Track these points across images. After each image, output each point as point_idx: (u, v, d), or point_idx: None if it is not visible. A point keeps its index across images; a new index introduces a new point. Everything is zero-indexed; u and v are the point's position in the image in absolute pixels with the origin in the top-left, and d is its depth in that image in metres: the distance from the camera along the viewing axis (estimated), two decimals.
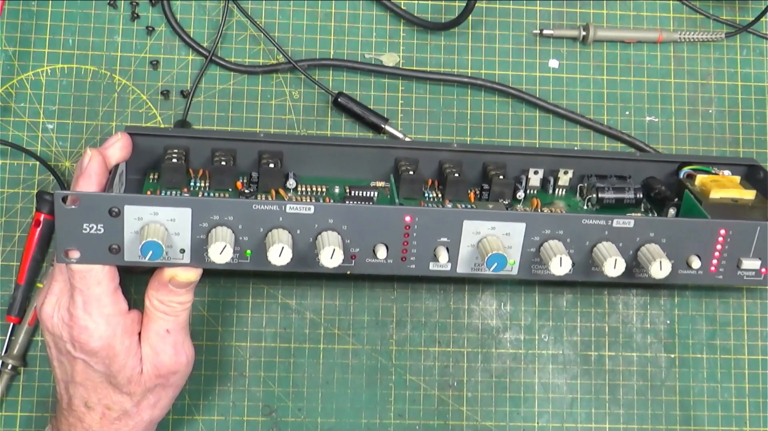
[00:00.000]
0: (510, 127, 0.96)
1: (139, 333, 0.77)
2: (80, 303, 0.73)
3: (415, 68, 0.96)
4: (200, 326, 0.90)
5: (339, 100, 0.93)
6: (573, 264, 0.77)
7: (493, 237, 0.76)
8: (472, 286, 0.94)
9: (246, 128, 0.93)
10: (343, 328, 0.92)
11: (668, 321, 0.95)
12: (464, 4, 0.91)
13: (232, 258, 0.75)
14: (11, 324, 0.88)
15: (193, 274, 0.76)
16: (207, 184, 0.83)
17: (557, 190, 0.89)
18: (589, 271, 0.80)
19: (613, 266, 0.76)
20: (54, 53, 0.92)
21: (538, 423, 0.93)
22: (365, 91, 0.95)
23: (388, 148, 0.87)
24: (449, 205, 0.85)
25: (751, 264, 0.82)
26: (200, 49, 0.94)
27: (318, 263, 0.74)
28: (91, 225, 0.71)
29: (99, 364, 0.75)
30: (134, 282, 0.87)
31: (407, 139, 0.93)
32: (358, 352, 0.92)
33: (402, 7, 0.96)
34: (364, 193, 0.84)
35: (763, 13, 0.97)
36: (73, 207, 0.70)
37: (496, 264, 0.75)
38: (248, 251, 0.75)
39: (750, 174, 0.90)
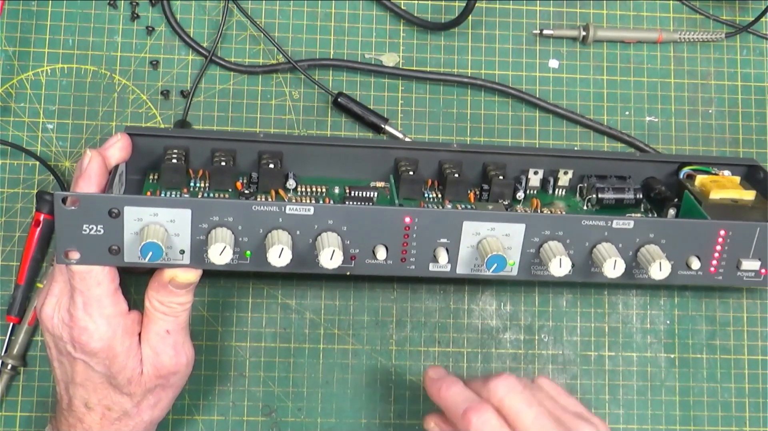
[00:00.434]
0: (510, 127, 0.96)
1: (139, 334, 0.77)
2: (80, 304, 0.73)
3: (415, 68, 0.96)
4: (200, 326, 0.90)
5: (339, 100, 0.93)
6: (573, 265, 0.77)
7: (492, 238, 0.77)
8: (472, 286, 0.94)
9: (246, 128, 0.93)
10: (343, 328, 0.92)
11: (668, 321, 0.95)
12: (464, 4, 0.91)
13: (232, 260, 0.75)
14: (11, 324, 0.88)
15: (193, 275, 0.76)
16: (207, 185, 0.83)
17: (557, 190, 0.89)
18: (588, 272, 0.80)
19: (613, 267, 0.76)
20: (54, 53, 0.92)
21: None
22: (365, 91, 0.95)
23: (388, 148, 0.87)
24: (449, 206, 0.85)
25: (750, 264, 0.82)
26: (200, 49, 0.94)
27: (318, 264, 0.74)
28: (90, 226, 0.71)
29: (99, 365, 0.75)
30: (134, 282, 0.87)
31: (407, 139, 0.93)
32: (358, 352, 0.92)
33: (402, 7, 0.96)
34: (364, 193, 0.84)
35: (763, 13, 0.97)
36: (72, 208, 0.70)
37: (495, 265, 0.75)
38: (248, 252, 0.75)
39: (750, 174, 0.90)
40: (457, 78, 0.96)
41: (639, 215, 0.88)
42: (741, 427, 0.94)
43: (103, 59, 0.93)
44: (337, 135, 0.94)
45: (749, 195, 0.86)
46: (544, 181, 0.88)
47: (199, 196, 0.82)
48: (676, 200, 0.87)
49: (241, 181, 0.84)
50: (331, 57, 0.95)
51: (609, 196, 0.87)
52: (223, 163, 0.83)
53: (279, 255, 0.72)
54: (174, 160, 0.81)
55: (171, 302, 0.76)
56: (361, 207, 0.78)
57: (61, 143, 0.91)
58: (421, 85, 0.96)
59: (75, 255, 0.72)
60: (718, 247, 0.81)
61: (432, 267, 0.78)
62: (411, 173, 0.84)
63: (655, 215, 0.88)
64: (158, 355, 0.77)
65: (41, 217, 0.88)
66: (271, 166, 0.83)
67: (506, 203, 0.86)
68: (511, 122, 0.96)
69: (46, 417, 0.88)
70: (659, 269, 0.77)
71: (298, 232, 0.74)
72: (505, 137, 0.96)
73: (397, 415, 0.91)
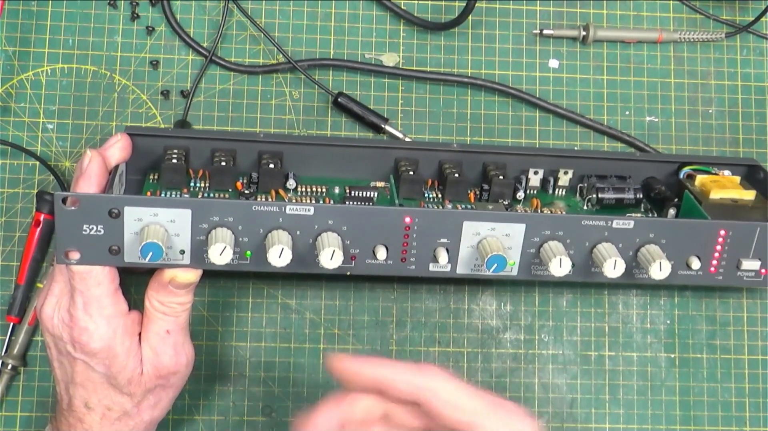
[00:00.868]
0: (510, 127, 0.96)
1: (139, 334, 0.77)
2: (80, 304, 0.73)
3: (415, 68, 0.96)
4: (200, 326, 0.90)
5: (339, 100, 0.93)
6: (573, 265, 0.77)
7: (492, 238, 0.77)
8: (472, 286, 0.93)
9: (246, 128, 0.93)
10: (343, 328, 0.92)
11: (668, 321, 0.95)
12: (464, 4, 0.91)
13: (232, 260, 0.75)
14: (11, 324, 0.88)
15: (193, 275, 0.76)
16: (207, 185, 0.84)
17: (557, 190, 0.89)
18: (588, 272, 0.80)
19: (613, 267, 0.76)
20: (54, 53, 0.92)
21: (538, 422, 0.92)
22: (365, 91, 0.95)
23: (388, 148, 0.87)
24: (449, 206, 0.85)
25: (750, 264, 0.82)
26: (200, 49, 0.93)
27: (318, 264, 0.74)
28: (91, 227, 0.71)
29: (99, 365, 0.75)
30: (134, 282, 0.87)
31: (407, 139, 0.93)
32: (358, 352, 0.92)
33: (402, 7, 0.96)
34: (364, 193, 0.84)
35: (763, 13, 0.97)
36: (73, 208, 0.70)
37: (495, 265, 0.75)
38: (248, 252, 0.75)
39: (750, 174, 0.90)
40: (457, 78, 0.96)
41: (639, 215, 0.88)
42: (741, 427, 0.94)
43: (103, 59, 0.93)
44: (337, 135, 0.94)
45: (749, 195, 0.86)
46: (544, 181, 0.88)
47: (199, 196, 0.82)
48: (676, 200, 0.87)
49: (241, 181, 0.84)
50: (331, 57, 0.95)
51: (609, 195, 0.87)
52: (223, 163, 0.83)
53: (279, 255, 0.72)
54: (174, 160, 0.81)
55: (171, 302, 0.76)
56: (361, 207, 0.78)
57: (61, 143, 0.91)
58: (421, 85, 0.96)
59: (75, 256, 0.72)
60: (718, 247, 0.81)
61: (432, 267, 0.78)
62: (411, 173, 0.84)
63: (655, 215, 0.88)
64: (158, 355, 0.77)
65: (41, 217, 0.88)
66: (271, 166, 0.83)
67: (506, 203, 0.86)
68: (511, 122, 0.96)
69: (46, 417, 0.88)
70: (659, 269, 0.77)
71: (298, 232, 0.74)
72: (505, 137, 0.96)
73: None
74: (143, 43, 0.94)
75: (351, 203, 0.83)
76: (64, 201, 0.70)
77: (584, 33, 0.97)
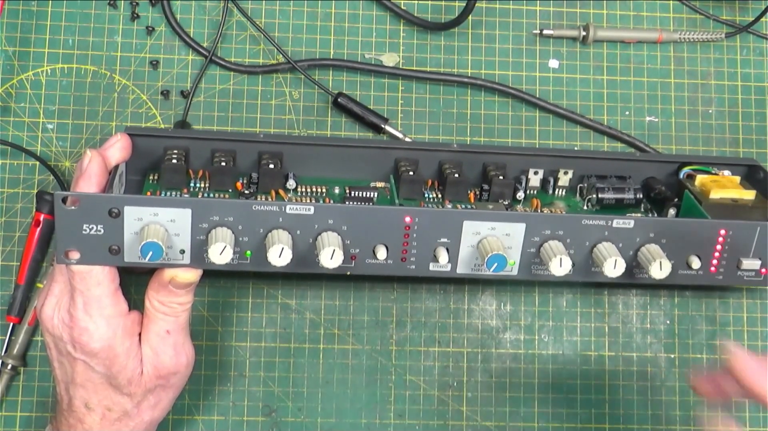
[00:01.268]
0: (510, 127, 0.96)
1: (140, 335, 0.77)
2: (80, 304, 0.73)
3: (415, 68, 0.96)
4: (200, 326, 0.90)
5: (339, 100, 0.93)
6: (573, 265, 0.77)
7: (493, 238, 0.77)
8: (472, 286, 0.94)
9: (246, 128, 0.93)
10: (343, 328, 0.92)
11: (668, 321, 0.95)
12: (464, 4, 0.91)
13: (232, 259, 0.75)
14: (11, 324, 0.88)
15: (193, 275, 0.76)
16: (207, 185, 0.84)
17: (557, 190, 0.89)
18: (589, 272, 0.80)
19: (613, 266, 0.76)
20: (54, 53, 0.92)
21: (538, 423, 0.93)
22: (365, 91, 0.95)
23: (388, 148, 0.87)
24: (449, 206, 0.85)
25: (751, 264, 0.82)
26: (200, 49, 0.93)
27: (318, 264, 0.74)
28: (91, 226, 0.71)
29: (99, 365, 0.75)
30: (134, 282, 0.87)
31: (407, 139, 0.93)
32: (358, 352, 0.92)
33: (402, 7, 0.96)
34: (364, 193, 0.84)
35: (763, 13, 0.97)
36: (73, 208, 0.70)
37: (496, 264, 0.75)
38: (248, 252, 0.75)
39: (750, 174, 0.90)
40: (457, 78, 0.96)
41: (639, 215, 0.88)
42: (741, 427, 0.94)
43: (103, 59, 0.93)
44: (337, 135, 0.94)
45: (749, 195, 0.86)
46: (544, 181, 0.88)
47: (199, 197, 0.82)
48: (676, 200, 0.87)
49: (241, 181, 0.84)
50: (331, 57, 0.95)
51: (609, 195, 0.87)
52: (223, 164, 0.83)
53: (279, 255, 0.72)
54: (174, 161, 0.81)
55: (171, 302, 0.76)
56: (361, 207, 0.78)
57: (61, 143, 0.91)
58: (421, 85, 0.96)
59: (75, 255, 0.72)
60: (719, 247, 0.81)
61: (432, 267, 0.78)
62: (411, 173, 0.84)
63: (656, 215, 0.88)
64: (158, 355, 0.77)
65: (41, 217, 0.88)
66: (271, 166, 0.83)
67: (506, 203, 0.86)
68: (511, 122, 0.96)
69: (46, 417, 0.88)
70: (659, 269, 0.77)
71: (298, 232, 0.74)
72: (505, 137, 0.96)
73: (397, 415, 0.91)
74: (143, 43, 0.94)
75: (351, 203, 0.83)
76: (64, 201, 0.70)
77: (584, 33, 0.97)
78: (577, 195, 0.89)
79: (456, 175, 0.85)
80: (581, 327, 0.94)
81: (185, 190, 0.82)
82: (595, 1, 0.99)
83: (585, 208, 0.88)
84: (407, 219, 0.75)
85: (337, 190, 0.86)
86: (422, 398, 0.92)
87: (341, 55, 0.96)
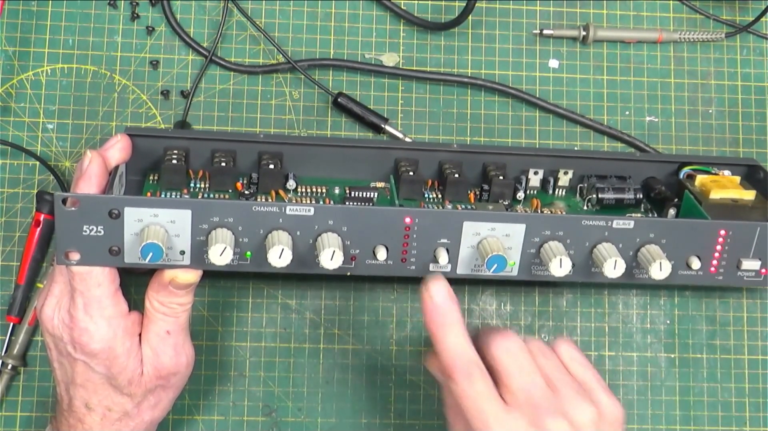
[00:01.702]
0: (510, 127, 0.96)
1: (140, 335, 0.77)
2: (81, 305, 0.73)
3: (415, 68, 0.96)
4: (200, 326, 0.90)
5: (339, 100, 0.93)
6: (573, 265, 0.77)
7: (493, 239, 0.76)
8: (472, 286, 0.94)
9: (246, 128, 0.93)
10: (343, 328, 0.92)
11: (668, 321, 0.95)
12: (464, 4, 0.91)
13: (232, 260, 0.75)
14: (11, 324, 0.88)
15: (193, 276, 0.76)
16: (207, 185, 0.84)
17: (557, 190, 0.89)
18: (589, 272, 0.80)
19: (613, 267, 0.76)
20: (54, 53, 0.92)
21: None
22: (365, 91, 0.95)
23: (388, 148, 0.87)
24: (449, 206, 0.85)
25: (751, 264, 0.82)
26: (200, 49, 0.93)
27: (318, 264, 0.74)
28: (91, 227, 0.71)
29: (99, 366, 0.75)
30: (134, 283, 0.87)
31: (407, 139, 0.93)
32: (358, 352, 0.92)
33: (402, 7, 0.96)
34: (364, 193, 0.84)
35: (763, 13, 0.97)
36: (73, 209, 0.70)
37: (496, 265, 0.75)
38: (248, 253, 0.75)
39: (750, 174, 0.90)
40: (457, 78, 0.96)
41: (639, 215, 0.88)
42: (741, 427, 0.94)
43: (103, 59, 0.93)
44: (337, 135, 0.94)
45: (749, 195, 0.86)
46: (544, 181, 0.88)
47: (199, 197, 0.82)
48: (676, 200, 0.87)
49: (241, 181, 0.84)
50: (331, 57, 0.95)
51: (609, 196, 0.87)
52: (223, 164, 0.83)
53: (279, 255, 0.72)
54: (174, 161, 0.81)
55: (171, 303, 0.76)
56: (361, 207, 0.78)
57: (61, 143, 0.91)
58: (421, 85, 0.96)
59: (75, 256, 0.72)
60: (719, 247, 0.81)
61: (432, 267, 0.78)
62: (411, 173, 0.84)
63: (656, 215, 0.88)
64: (158, 356, 0.77)
65: (41, 217, 0.88)
66: (271, 166, 0.83)
67: (506, 203, 0.86)
68: (511, 122, 0.96)
69: (46, 417, 0.88)
70: (659, 269, 0.77)
71: (298, 233, 0.74)
72: (505, 137, 0.96)
73: (397, 415, 0.91)
74: (143, 43, 0.94)
75: (351, 203, 0.83)
76: (64, 202, 0.70)
77: (584, 33, 0.97)
78: (577, 195, 0.89)
79: (456, 175, 0.85)
80: (581, 327, 0.94)
81: (185, 191, 0.82)
82: (595, 1, 0.99)
83: (585, 208, 0.88)
84: (407, 219, 0.75)
85: (337, 191, 0.86)
86: (422, 398, 0.92)
87: (341, 55, 0.96)
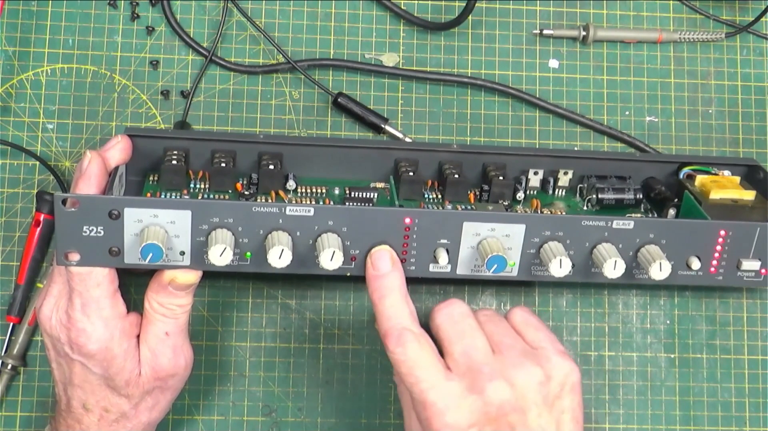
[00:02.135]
0: (510, 127, 0.96)
1: (138, 336, 0.77)
2: (78, 305, 0.73)
3: (415, 68, 0.96)
4: (200, 326, 0.90)
5: (339, 100, 0.93)
6: (573, 266, 0.77)
7: (493, 239, 0.76)
8: (471, 286, 0.94)
9: (246, 128, 0.93)
10: (343, 328, 0.92)
11: (668, 321, 0.95)
12: (464, 4, 0.91)
13: (232, 261, 0.75)
14: (11, 324, 0.88)
15: (193, 276, 0.76)
16: (207, 186, 0.84)
17: (557, 190, 0.89)
18: (589, 273, 0.80)
19: (613, 267, 0.76)
20: (54, 53, 0.92)
21: None
22: (365, 91, 0.95)
23: (388, 149, 0.87)
24: (449, 206, 0.85)
25: (751, 265, 0.82)
26: (200, 49, 0.93)
27: (318, 265, 0.74)
28: (91, 228, 0.71)
29: (97, 367, 0.75)
30: (134, 283, 0.87)
31: (407, 139, 0.93)
32: (358, 352, 0.92)
33: (402, 7, 0.96)
34: (364, 194, 0.84)
35: (763, 13, 0.97)
36: (72, 209, 0.70)
37: (496, 265, 0.75)
38: (248, 253, 0.74)
39: (750, 174, 0.90)
40: (457, 78, 0.96)
41: (639, 215, 0.88)
42: (741, 427, 0.94)
43: (103, 59, 0.93)
44: (337, 135, 0.94)
45: (749, 195, 0.86)
46: (544, 182, 0.88)
47: (199, 198, 0.82)
48: (676, 200, 0.87)
49: (241, 182, 0.84)
50: (331, 57, 0.95)
51: (609, 196, 0.87)
52: (223, 165, 0.83)
53: (279, 256, 0.72)
54: (174, 162, 0.81)
55: (171, 304, 0.76)
56: (361, 208, 0.78)
57: (61, 143, 0.91)
58: (421, 85, 0.96)
59: (75, 257, 0.72)
60: (719, 247, 0.81)
61: (432, 267, 0.78)
62: (411, 174, 0.84)
63: (655, 215, 0.88)
64: (157, 357, 0.77)
65: (41, 217, 0.88)
66: (271, 167, 0.83)
67: (506, 204, 0.86)
68: (511, 122, 0.96)
69: (46, 417, 0.88)
70: (659, 269, 0.77)
71: (298, 233, 0.74)
72: (505, 137, 0.96)
73: (397, 415, 0.91)
74: (143, 43, 0.94)
75: (351, 204, 0.83)
76: (64, 202, 0.70)
77: (584, 33, 0.97)
78: (577, 195, 0.89)
79: (456, 176, 0.85)
80: (581, 327, 0.94)
81: (185, 191, 0.82)
82: (595, 1, 0.99)
83: (585, 208, 0.88)
84: (407, 220, 0.75)
85: (337, 191, 0.86)
86: None
87: (341, 55, 0.96)
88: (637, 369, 0.94)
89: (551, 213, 0.86)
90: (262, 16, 0.95)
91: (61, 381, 0.78)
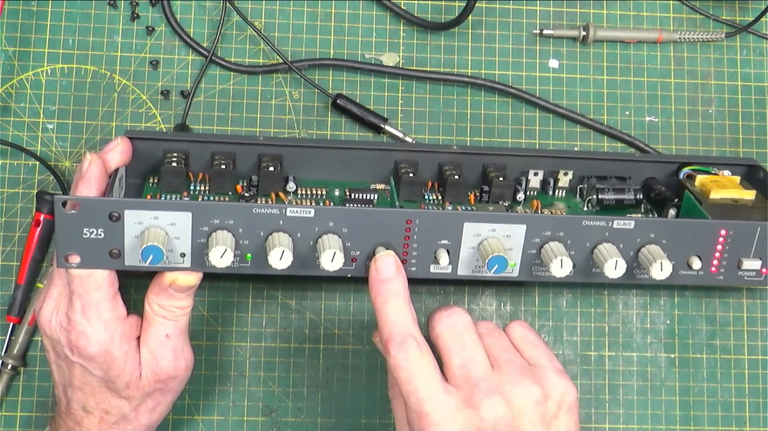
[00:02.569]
0: (510, 127, 0.96)
1: (138, 338, 0.77)
2: (79, 307, 0.73)
3: (415, 68, 0.96)
4: (200, 326, 0.90)
5: (338, 101, 0.93)
6: (574, 266, 0.77)
7: (493, 239, 0.76)
8: (472, 287, 0.94)
9: (246, 128, 0.93)
10: (343, 328, 0.92)
11: (668, 321, 0.95)
12: (464, 4, 0.91)
13: (233, 262, 0.74)
14: (11, 324, 0.88)
15: (194, 278, 0.75)
16: (207, 188, 0.83)
17: (557, 191, 0.89)
18: (589, 273, 0.80)
19: (614, 267, 0.76)
20: (54, 53, 0.92)
21: None
22: (365, 91, 0.95)
23: (388, 150, 0.87)
24: (449, 207, 0.85)
25: (751, 264, 0.82)
26: (200, 49, 0.93)
27: (319, 266, 0.74)
28: (91, 230, 0.71)
29: (97, 369, 0.75)
30: (134, 284, 0.87)
31: (408, 139, 0.93)
32: (358, 352, 0.92)
33: (402, 7, 0.96)
34: (365, 195, 0.84)
35: (763, 13, 0.97)
36: (73, 212, 0.70)
37: (496, 266, 0.75)
38: (249, 255, 0.74)
39: (750, 174, 0.90)
40: (457, 78, 0.96)
41: (639, 215, 0.88)
42: (741, 427, 0.94)
43: (103, 59, 0.93)
44: (337, 136, 0.94)
45: (749, 195, 0.86)
46: (544, 182, 0.88)
47: (200, 200, 0.82)
48: (676, 200, 0.87)
49: (241, 184, 0.84)
50: (331, 57, 0.95)
51: (609, 196, 0.87)
52: (223, 167, 0.82)
53: (280, 257, 0.72)
54: (174, 164, 0.81)
55: (171, 306, 0.76)
56: (361, 209, 0.78)
57: (61, 143, 0.91)
58: (421, 85, 0.96)
59: (75, 259, 0.72)
60: (719, 247, 0.81)
61: (433, 268, 0.78)
62: (411, 175, 0.84)
63: (656, 215, 0.88)
64: (157, 360, 0.77)
65: (41, 217, 0.88)
66: (271, 168, 0.83)
67: (506, 204, 0.86)
68: (511, 122, 0.96)
69: (46, 417, 0.88)
70: (660, 269, 0.77)
71: (298, 235, 0.74)
72: (505, 137, 0.96)
73: None
74: (143, 43, 0.94)
75: (351, 205, 0.83)
76: (64, 204, 0.70)
77: (584, 33, 0.97)
78: (577, 196, 0.89)
79: (456, 177, 0.85)
80: (581, 327, 0.94)
81: (185, 194, 0.82)
82: (595, 1, 0.99)
83: (585, 208, 0.88)
84: (408, 221, 0.75)
85: (337, 192, 0.86)
86: None
87: (341, 55, 0.96)
88: (637, 369, 0.94)
89: (552, 213, 0.86)
90: (261, 16, 0.95)
91: (61, 383, 0.78)
